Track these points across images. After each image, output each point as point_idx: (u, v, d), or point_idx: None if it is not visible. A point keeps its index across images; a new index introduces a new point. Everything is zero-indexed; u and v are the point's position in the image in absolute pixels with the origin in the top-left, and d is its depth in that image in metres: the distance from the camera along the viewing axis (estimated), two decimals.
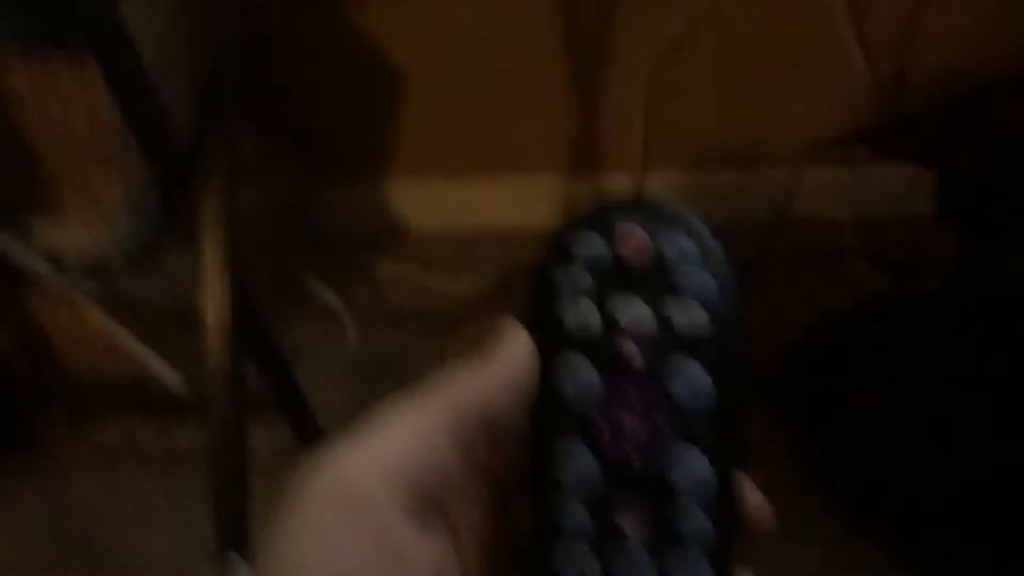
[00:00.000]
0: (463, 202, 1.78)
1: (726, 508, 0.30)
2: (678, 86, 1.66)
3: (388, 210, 1.81)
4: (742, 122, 1.65)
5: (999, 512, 1.03)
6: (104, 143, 1.22)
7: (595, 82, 1.69)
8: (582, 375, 0.31)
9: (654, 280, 0.31)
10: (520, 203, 1.76)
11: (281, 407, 1.16)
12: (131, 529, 1.24)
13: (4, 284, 1.31)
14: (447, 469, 0.30)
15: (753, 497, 0.31)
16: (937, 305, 1.27)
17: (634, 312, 0.31)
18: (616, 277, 0.31)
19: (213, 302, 1.00)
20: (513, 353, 0.31)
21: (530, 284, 0.32)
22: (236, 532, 1.00)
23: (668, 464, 0.30)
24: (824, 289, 1.50)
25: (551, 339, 0.31)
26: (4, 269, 1.28)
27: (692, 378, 0.30)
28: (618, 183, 1.70)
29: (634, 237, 0.31)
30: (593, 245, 0.32)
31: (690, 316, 0.30)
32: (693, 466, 0.30)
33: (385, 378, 1.44)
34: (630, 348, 0.31)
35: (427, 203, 1.80)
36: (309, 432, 1.20)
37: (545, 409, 0.31)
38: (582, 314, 0.31)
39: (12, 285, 1.31)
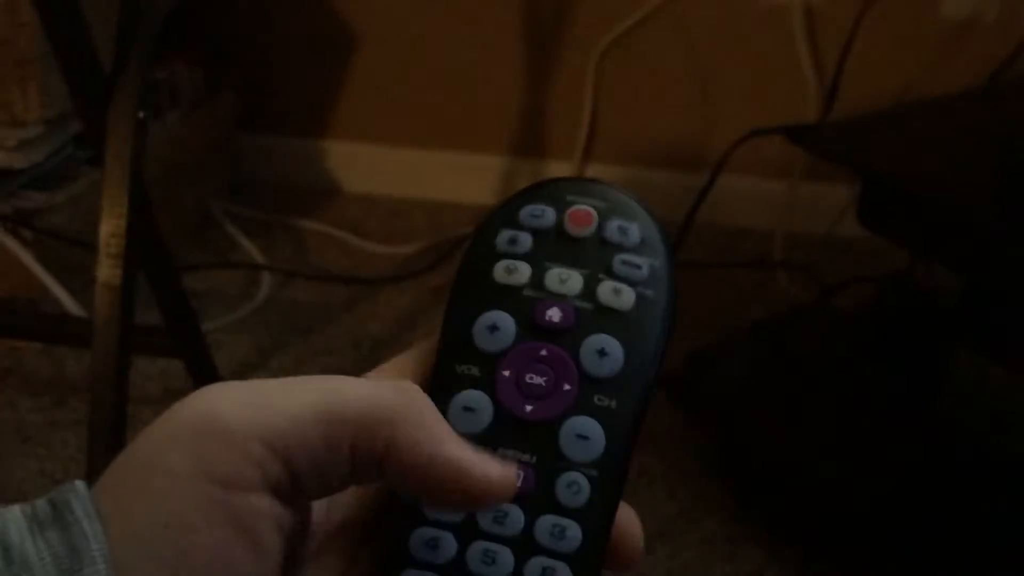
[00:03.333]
0: (399, 171, 1.76)
1: (609, 486, 0.30)
2: (627, 81, 1.65)
3: (322, 169, 1.78)
4: (687, 122, 1.65)
5: (891, 525, 1.03)
6: (22, 48, 1.18)
7: (545, 68, 1.67)
8: (497, 325, 0.31)
9: (593, 257, 0.31)
10: (457, 179, 1.73)
11: (175, 342, 1.13)
12: (6, 454, 1.20)
13: None
14: (315, 453, 0.27)
15: (628, 518, 0.30)
16: (852, 321, 1.28)
17: (564, 278, 0.31)
18: (557, 247, 0.31)
19: (110, 220, 0.97)
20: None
21: (470, 240, 0.32)
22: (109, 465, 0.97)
23: (564, 428, 0.30)
24: (747, 296, 1.50)
25: (475, 289, 0.31)
26: None
27: (606, 350, 0.30)
28: (558, 171, 1.69)
29: (582, 213, 0.32)
30: (541, 214, 0.32)
31: (618, 294, 0.31)
32: (587, 432, 0.30)
33: (293, 328, 1.41)
34: (552, 310, 0.31)
35: (362, 167, 1.77)
36: (203, 372, 1.16)
37: (452, 352, 0.31)
38: (512, 270, 0.31)
39: None
